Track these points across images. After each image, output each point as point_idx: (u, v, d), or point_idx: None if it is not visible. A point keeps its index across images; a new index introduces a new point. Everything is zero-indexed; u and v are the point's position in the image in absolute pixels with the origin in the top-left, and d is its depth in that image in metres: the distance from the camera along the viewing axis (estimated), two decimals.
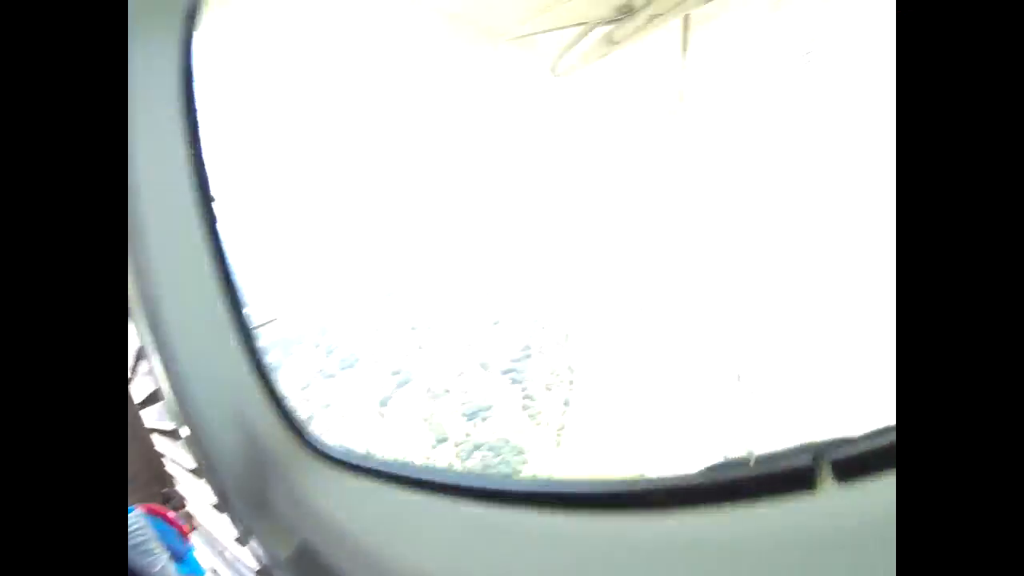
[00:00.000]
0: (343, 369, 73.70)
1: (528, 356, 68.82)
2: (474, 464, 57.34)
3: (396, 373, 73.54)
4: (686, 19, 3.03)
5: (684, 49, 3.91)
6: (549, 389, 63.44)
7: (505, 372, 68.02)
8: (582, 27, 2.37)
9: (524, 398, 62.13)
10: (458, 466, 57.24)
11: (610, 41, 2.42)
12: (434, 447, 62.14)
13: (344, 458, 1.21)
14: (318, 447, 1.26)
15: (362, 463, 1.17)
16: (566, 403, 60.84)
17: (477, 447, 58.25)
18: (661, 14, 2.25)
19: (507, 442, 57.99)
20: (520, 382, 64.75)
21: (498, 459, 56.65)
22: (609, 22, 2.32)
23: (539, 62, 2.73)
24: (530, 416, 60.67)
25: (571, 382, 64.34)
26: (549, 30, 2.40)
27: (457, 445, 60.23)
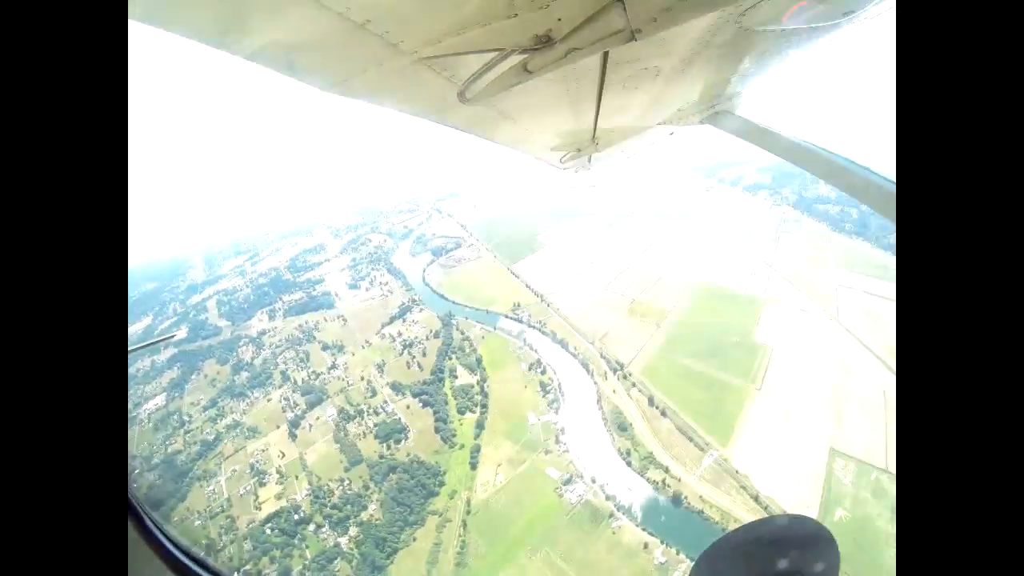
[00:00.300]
0: (253, 388, 75.48)
1: (440, 380, 78.16)
2: (389, 486, 63.42)
3: (308, 393, 77.82)
4: (604, 56, 3.00)
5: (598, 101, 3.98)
6: (462, 413, 72.57)
7: (416, 395, 76.40)
8: (497, 53, 2.18)
9: (437, 420, 70.59)
10: (373, 488, 62.37)
11: (524, 70, 2.25)
12: (347, 469, 67.19)
13: None
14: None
15: None
16: (480, 427, 70.09)
17: (392, 469, 64.54)
18: (580, 48, 2.09)
19: (421, 464, 65.25)
20: (432, 405, 73.41)
21: (413, 481, 63.56)
22: (525, 51, 2.15)
23: (447, 85, 2.61)
24: (443, 439, 69.11)
25: (484, 406, 74.44)
26: (461, 53, 2.18)
27: (371, 467, 65.87)
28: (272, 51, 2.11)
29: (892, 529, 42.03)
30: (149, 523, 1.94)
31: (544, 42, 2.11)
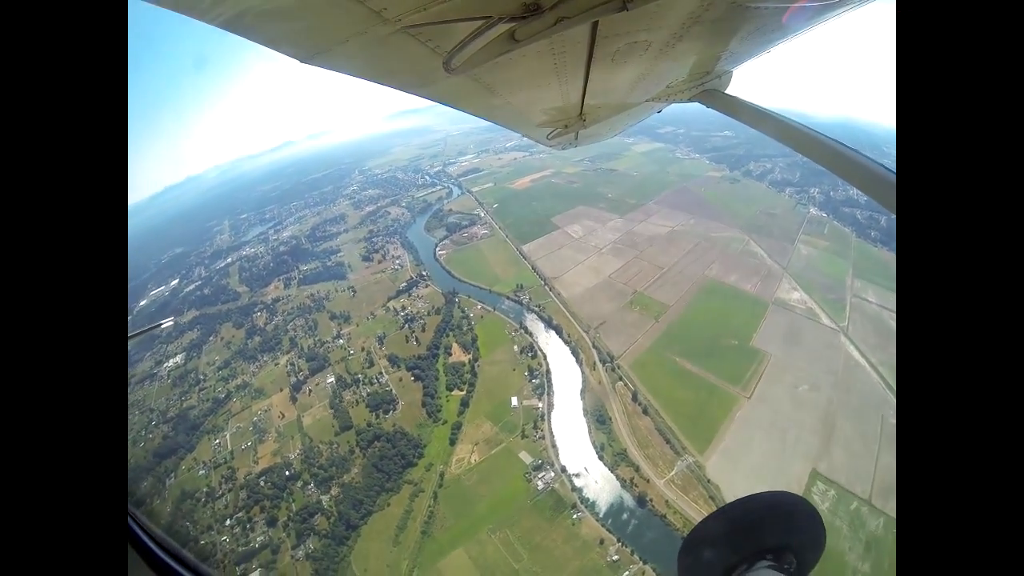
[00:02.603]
0: (263, 352, 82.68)
1: (435, 356, 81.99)
2: (372, 453, 68.77)
3: (312, 360, 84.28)
4: (594, 28, 2.94)
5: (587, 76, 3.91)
6: (450, 389, 76.31)
7: (411, 368, 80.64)
8: (483, 21, 2.09)
9: (425, 395, 74.73)
10: (358, 453, 67.64)
11: (512, 39, 2.18)
12: (337, 434, 73.41)
13: None
14: None
15: None
16: (465, 404, 73.72)
17: (377, 437, 69.76)
18: (569, 17, 2.05)
19: (404, 435, 70.05)
20: (423, 380, 77.53)
21: (394, 451, 68.59)
22: (513, 19, 2.07)
23: (432, 56, 2.52)
24: (428, 413, 73.38)
25: (472, 385, 77.88)
26: (447, 21, 2.11)
27: (359, 434, 71.59)
28: (247, 19, 2.04)
29: (863, 567, 41.24)
30: (145, 537, 1.99)
31: (532, 10, 2.07)
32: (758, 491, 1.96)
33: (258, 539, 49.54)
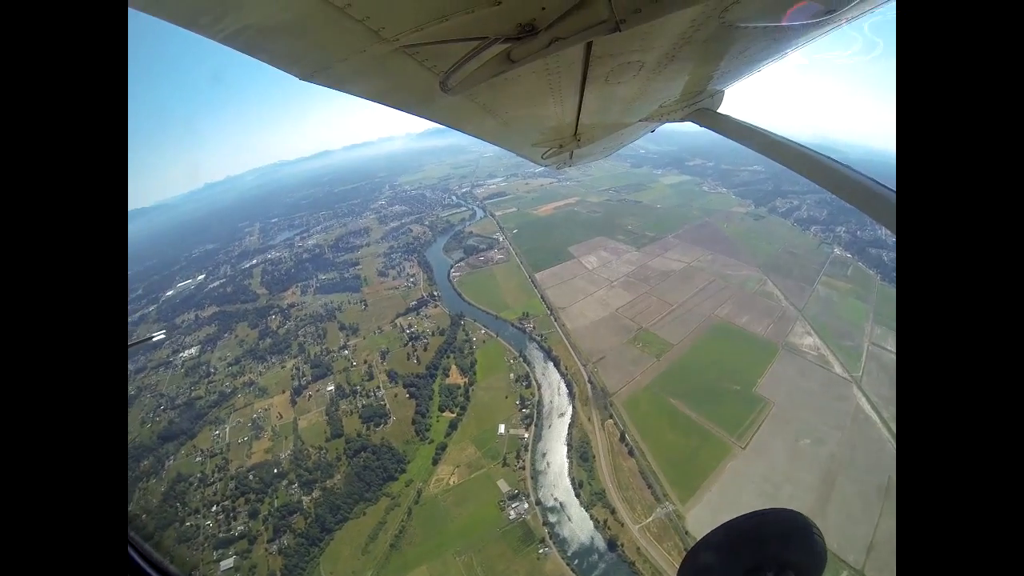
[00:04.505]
0: (272, 354, 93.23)
1: (433, 376, 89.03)
2: (357, 462, 75.74)
3: (316, 367, 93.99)
4: (588, 49, 3.14)
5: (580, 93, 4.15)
6: (442, 410, 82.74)
7: (407, 386, 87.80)
8: (480, 42, 2.26)
9: (417, 413, 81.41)
10: (344, 460, 74.29)
11: (508, 59, 2.35)
12: (328, 440, 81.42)
13: None
14: None
15: None
16: (453, 427, 79.75)
17: (364, 448, 76.73)
18: (563, 37, 2.20)
19: (391, 449, 76.66)
20: (418, 398, 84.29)
21: (378, 463, 75.18)
22: (509, 39, 2.24)
23: (429, 76, 2.71)
24: (417, 431, 79.87)
25: (464, 408, 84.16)
26: (444, 41, 2.26)
27: (348, 443, 79.07)
28: (248, 36, 2.18)
29: None
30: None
31: (528, 31, 2.23)
32: (758, 510, 2.05)
33: (238, 528, 55.01)
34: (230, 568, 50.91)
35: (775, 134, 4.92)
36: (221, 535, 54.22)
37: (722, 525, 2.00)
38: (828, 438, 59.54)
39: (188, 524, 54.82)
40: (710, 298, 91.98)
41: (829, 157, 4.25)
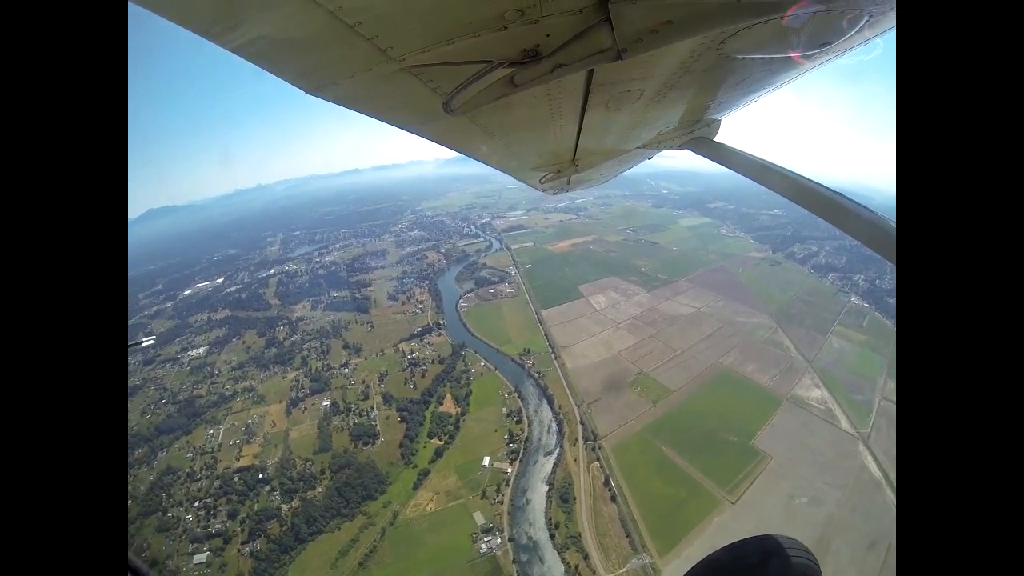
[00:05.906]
0: (275, 364, 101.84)
1: (427, 402, 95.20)
2: (340, 478, 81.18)
3: (315, 381, 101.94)
4: (589, 76, 3.33)
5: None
6: (430, 437, 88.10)
7: (400, 409, 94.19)
8: (484, 65, 2.41)
9: (405, 437, 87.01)
10: (327, 475, 79.88)
11: (510, 83, 2.52)
12: (315, 453, 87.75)
13: None
14: None
15: None
16: (439, 455, 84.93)
17: (348, 465, 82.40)
18: (566, 64, 2.36)
19: (374, 469, 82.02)
20: (409, 423, 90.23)
21: (360, 481, 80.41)
22: (512, 64, 2.39)
23: (432, 96, 2.90)
24: (403, 455, 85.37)
25: (452, 437, 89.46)
26: (449, 63, 2.40)
27: (334, 458, 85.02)
28: (259, 46, 2.30)
29: None
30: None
31: (531, 56, 2.38)
32: (752, 536, 2.18)
33: (216, 526, 58.58)
34: (202, 563, 54.18)
35: (771, 163, 5.26)
36: (199, 530, 57.84)
37: (700, 563, 2.12)
38: (826, 498, 58.53)
39: (170, 515, 58.69)
40: (716, 345, 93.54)
41: (822, 185, 4.49)
